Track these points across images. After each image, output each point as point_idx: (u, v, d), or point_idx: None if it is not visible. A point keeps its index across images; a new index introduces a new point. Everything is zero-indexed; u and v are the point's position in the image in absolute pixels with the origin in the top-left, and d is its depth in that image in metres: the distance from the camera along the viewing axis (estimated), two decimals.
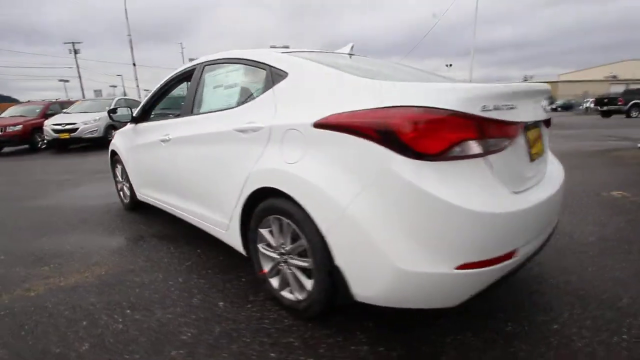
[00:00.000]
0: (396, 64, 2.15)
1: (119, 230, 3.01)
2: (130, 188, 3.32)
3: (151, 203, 3.03)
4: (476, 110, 1.15)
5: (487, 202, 1.15)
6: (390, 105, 1.19)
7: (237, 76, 1.99)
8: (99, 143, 9.83)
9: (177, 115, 2.60)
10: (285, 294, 1.70)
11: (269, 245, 1.74)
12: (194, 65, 2.41)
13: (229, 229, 1.98)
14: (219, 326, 1.63)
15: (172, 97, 3.29)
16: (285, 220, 1.57)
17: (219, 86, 2.14)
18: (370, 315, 1.62)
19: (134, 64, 21.91)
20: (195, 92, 2.28)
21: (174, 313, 1.75)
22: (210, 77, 2.22)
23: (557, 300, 1.73)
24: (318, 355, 1.41)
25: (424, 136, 1.13)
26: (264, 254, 1.78)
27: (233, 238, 1.97)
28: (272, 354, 1.43)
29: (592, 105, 24.43)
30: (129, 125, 3.22)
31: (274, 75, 1.69)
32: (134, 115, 3.01)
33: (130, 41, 21.73)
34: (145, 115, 3.06)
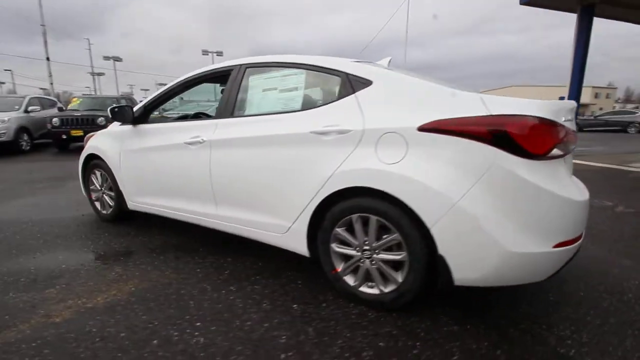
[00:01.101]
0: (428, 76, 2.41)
1: (114, 243, 2.66)
2: (118, 197, 2.95)
3: (151, 212, 2.76)
4: (561, 121, 1.45)
5: (573, 192, 1.46)
6: (501, 114, 1.42)
7: (297, 80, 2.01)
8: (6, 148, 8.23)
9: (195, 117, 2.47)
10: (365, 289, 1.78)
11: (344, 243, 1.81)
12: (228, 66, 2.33)
13: (288, 231, 1.97)
14: (310, 326, 1.63)
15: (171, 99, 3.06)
16: (374, 217, 1.67)
17: (271, 89, 2.13)
18: (437, 301, 1.81)
19: (48, 59, 18.63)
20: (237, 94, 2.22)
21: (252, 320, 1.69)
22: (257, 80, 2.19)
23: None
24: (421, 338, 1.54)
25: (535, 140, 1.38)
26: (338, 253, 1.84)
27: (293, 240, 1.97)
28: (380, 343, 1.51)
29: None
30: (121, 127, 2.89)
31: (354, 83, 1.79)
32: (134, 115, 2.72)
33: (45, 33, 18.61)
34: (146, 116, 2.79)
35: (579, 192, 1.52)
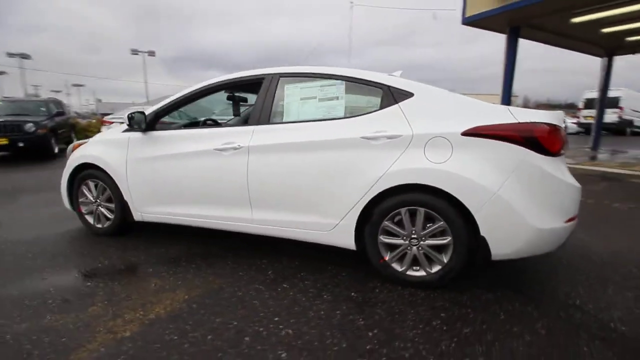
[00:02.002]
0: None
1: (130, 256, 2.51)
2: (122, 208, 2.79)
3: (164, 221, 2.69)
4: (563, 126, 1.91)
5: (573, 180, 1.92)
6: (527, 121, 1.82)
7: (337, 91, 2.21)
8: None
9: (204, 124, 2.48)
10: (412, 272, 2.06)
11: (391, 234, 2.06)
12: (259, 75, 2.43)
13: (335, 228, 2.16)
14: (377, 308, 1.85)
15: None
16: (422, 210, 1.96)
17: (309, 98, 2.28)
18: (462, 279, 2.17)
19: None
20: (272, 102, 2.33)
21: (323, 309, 1.84)
22: (294, 89, 2.32)
23: None
24: (470, 306, 1.86)
25: (552, 141, 1.80)
26: (384, 244, 2.08)
27: (341, 236, 2.16)
28: (442, 314, 1.79)
29: None
30: (124, 134, 2.74)
31: (396, 94, 2.06)
32: (146, 121, 2.61)
33: None
34: (156, 123, 2.71)
35: (574, 180, 2.01)
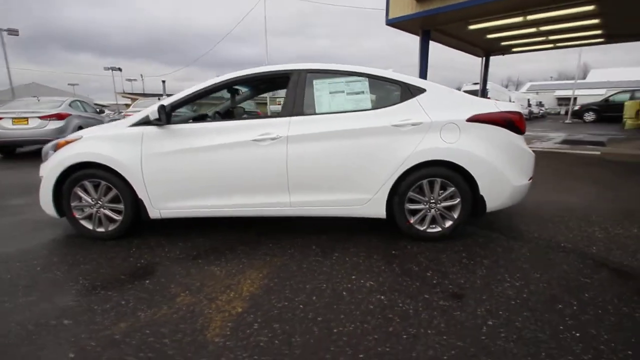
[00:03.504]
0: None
1: (163, 253, 2.48)
2: (134, 207, 2.66)
3: (188, 215, 2.71)
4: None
5: (531, 151, 2.75)
6: (507, 110, 2.54)
7: (362, 86, 2.60)
8: None
9: (249, 116, 2.60)
10: (430, 230, 2.64)
11: (414, 202, 2.60)
12: (286, 70, 2.64)
13: (369, 202, 2.59)
14: (422, 258, 2.37)
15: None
16: (439, 180, 2.54)
17: (337, 92, 2.61)
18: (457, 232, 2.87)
19: None
20: (303, 95, 2.59)
21: (383, 265, 2.28)
22: (322, 84, 2.61)
23: None
24: (484, 246, 2.53)
25: (521, 124, 2.56)
26: (409, 210, 2.61)
27: (373, 208, 2.61)
28: (463, 254, 2.42)
29: None
30: (134, 128, 2.61)
31: (413, 90, 2.57)
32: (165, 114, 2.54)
33: None
34: (171, 116, 2.65)
35: (531, 151, 2.85)
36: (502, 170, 2.53)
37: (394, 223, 2.66)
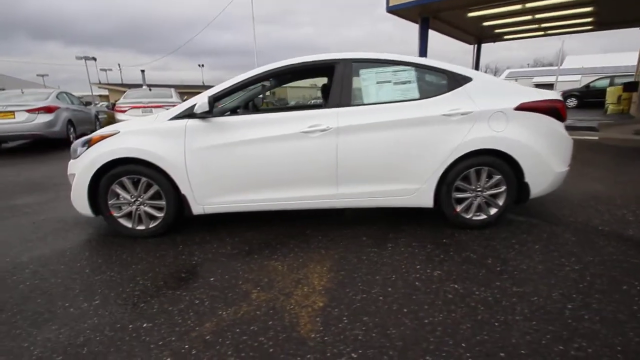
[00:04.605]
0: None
1: (212, 250, 2.42)
2: (177, 203, 2.57)
3: (233, 210, 2.64)
4: None
5: (570, 138, 2.82)
6: (549, 98, 2.57)
7: (409, 75, 2.57)
8: None
9: (296, 107, 2.55)
10: (476, 217, 2.68)
11: (460, 190, 2.62)
12: (332, 59, 2.58)
13: (417, 192, 2.60)
14: (475, 245, 2.42)
15: None
16: (485, 168, 2.57)
17: (384, 82, 2.57)
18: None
19: None
20: (351, 85, 2.54)
21: (442, 254, 2.31)
22: (369, 74, 2.57)
23: None
24: (527, 231, 2.60)
25: (564, 112, 2.61)
26: (456, 198, 2.64)
27: (421, 198, 2.62)
28: (512, 241, 2.48)
29: None
30: (175, 122, 2.50)
31: (460, 78, 2.57)
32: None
33: None
34: (214, 108, 2.55)
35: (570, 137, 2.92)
36: (546, 157, 2.58)
37: (440, 212, 2.69)
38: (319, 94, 4.91)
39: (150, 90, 9.88)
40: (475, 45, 12.37)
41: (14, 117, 7.21)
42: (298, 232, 2.73)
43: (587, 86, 18.84)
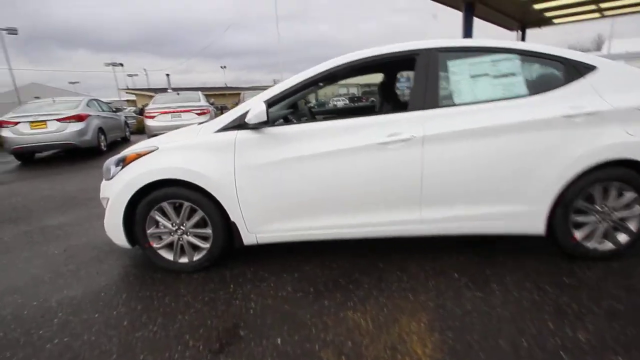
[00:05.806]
0: None
1: (288, 287, 1.97)
2: (225, 232, 2.14)
3: (290, 240, 2.19)
4: None
5: None
6: None
7: (512, 66, 2.00)
8: None
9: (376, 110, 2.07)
10: (602, 247, 2.07)
11: (579, 212, 2.03)
12: (412, 50, 2.06)
13: (524, 215, 2.04)
14: (605, 283, 1.83)
15: None
16: (616, 183, 1.97)
17: (480, 75, 2.02)
18: None
19: None
20: (437, 81, 2.01)
21: (561, 296, 1.75)
22: (460, 66, 2.02)
23: None
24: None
25: None
26: (574, 222, 2.05)
27: (529, 223, 2.06)
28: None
29: None
30: (221, 134, 2.07)
31: (580, 67, 1.98)
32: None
33: None
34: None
35: None
36: None
37: (552, 240, 2.12)
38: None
39: (178, 94, 9.66)
40: (518, 31, 11.38)
41: (46, 127, 7.15)
42: (368, 264, 2.23)
43: None
